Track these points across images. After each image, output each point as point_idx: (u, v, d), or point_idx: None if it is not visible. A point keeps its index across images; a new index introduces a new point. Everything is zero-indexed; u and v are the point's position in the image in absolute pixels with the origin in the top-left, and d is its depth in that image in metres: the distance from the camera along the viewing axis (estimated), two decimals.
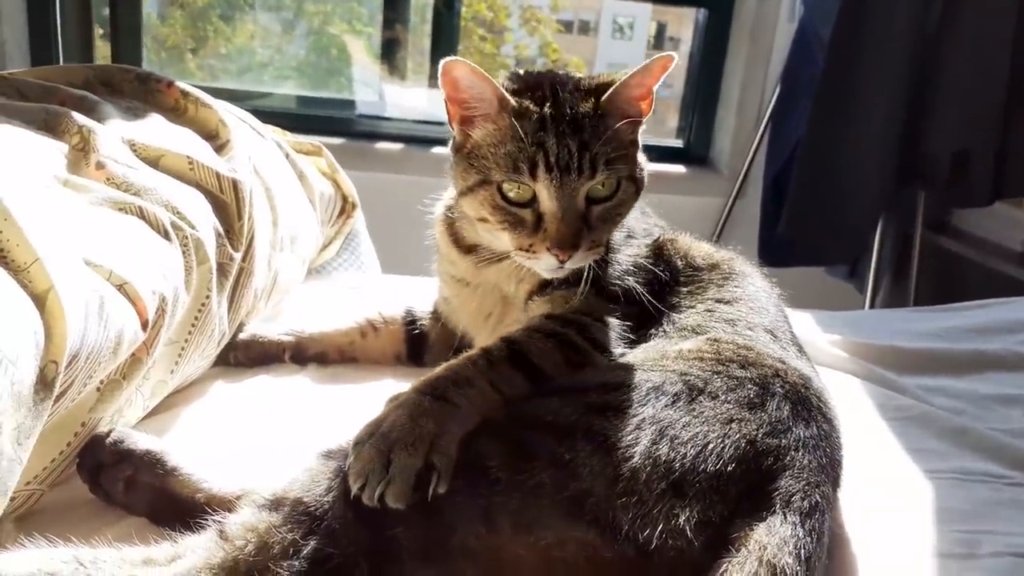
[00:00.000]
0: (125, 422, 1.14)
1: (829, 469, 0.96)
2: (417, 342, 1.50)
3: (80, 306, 0.92)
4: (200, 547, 0.80)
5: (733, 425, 0.90)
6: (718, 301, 1.20)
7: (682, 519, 0.82)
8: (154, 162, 1.34)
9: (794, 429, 0.94)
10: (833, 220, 2.91)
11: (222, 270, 1.33)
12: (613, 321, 1.15)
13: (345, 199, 2.08)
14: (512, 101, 1.13)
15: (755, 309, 1.20)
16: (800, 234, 2.96)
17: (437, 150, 3.23)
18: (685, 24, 3.59)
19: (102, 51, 3.30)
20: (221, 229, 1.34)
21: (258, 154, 1.63)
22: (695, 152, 3.50)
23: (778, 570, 0.81)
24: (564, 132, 1.12)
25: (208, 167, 1.38)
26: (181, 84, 1.61)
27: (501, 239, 1.18)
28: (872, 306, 3.01)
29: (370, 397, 1.30)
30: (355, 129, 3.43)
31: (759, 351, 1.05)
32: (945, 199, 3.05)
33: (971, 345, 1.77)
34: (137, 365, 1.09)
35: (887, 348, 1.73)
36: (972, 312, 1.99)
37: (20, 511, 0.96)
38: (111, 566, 0.78)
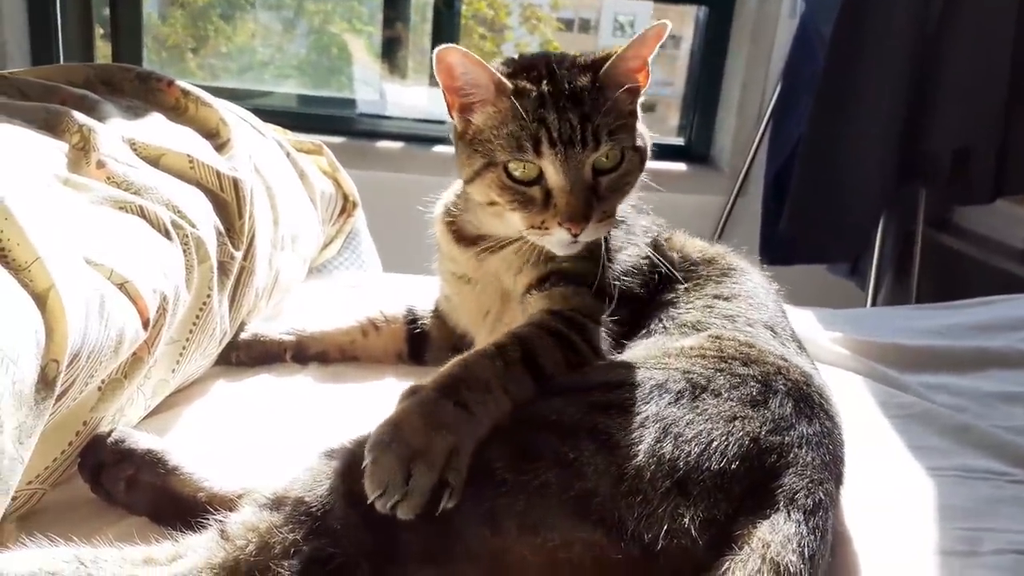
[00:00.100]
0: (127, 421, 1.14)
1: (832, 466, 0.96)
2: (418, 341, 1.50)
3: (81, 305, 0.92)
4: (201, 546, 0.80)
5: (736, 423, 0.90)
6: (716, 297, 1.20)
7: (687, 518, 0.82)
8: (155, 161, 1.34)
9: (797, 426, 0.94)
10: (834, 218, 2.91)
11: (223, 269, 1.33)
12: (608, 323, 1.15)
13: (346, 198, 2.08)
14: (508, 83, 1.14)
15: (754, 305, 1.20)
16: (802, 232, 2.96)
17: (438, 149, 3.23)
18: (686, 22, 3.58)
19: (103, 51, 3.31)
20: (222, 228, 1.34)
21: (259, 153, 1.63)
22: (696, 150, 3.50)
23: (782, 568, 0.80)
24: (564, 107, 1.12)
25: (209, 166, 1.38)
26: (181, 83, 1.61)
27: (512, 221, 1.18)
28: (874, 304, 3.01)
29: (372, 396, 1.31)
30: (356, 128, 3.43)
31: (761, 348, 1.04)
32: (946, 196, 3.05)
33: (973, 342, 1.77)
34: (138, 364, 1.09)
35: (889, 346, 1.72)
36: (974, 309, 1.99)
37: (22, 510, 0.96)
38: (112, 565, 0.78)
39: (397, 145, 3.29)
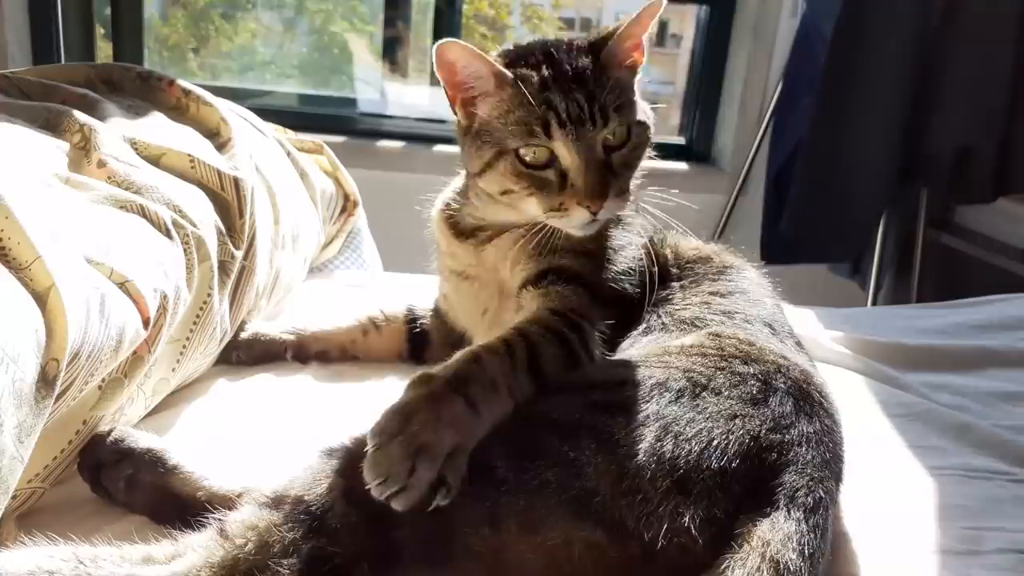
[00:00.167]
0: (127, 420, 1.14)
1: (832, 464, 0.95)
2: (419, 340, 1.50)
3: (81, 304, 0.92)
4: (200, 545, 0.80)
5: (737, 421, 0.90)
6: (713, 294, 1.20)
7: (687, 517, 0.81)
8: (155, 160, 1.34)
9: (797, 424, 0.94)
10: (836, 217, 2.91)
11: (223, 268, 1.33)
12: (602, 327, 1.15)
13: (347, 197, 2.08)
14: (507, 72, 1.14)
15: (751, 301, 1.20)
16: (803, 231, 2.96)
17: (439, 148, 3.23)
18: (687, 21, 3.58)
19: (104, 51, 3.31)
20: (222, 227, 1.34)
21: (259, 152, 1.63)
22: (697, 149, 3.50)
23: (782, 566, 0.80)
24: (569, 88, 1.14)
25: (209, 165, 1.38)
26: (182, 82, 1.61)
27: (528, 207, 1.18)
28: (875, 303, 3.01)
29: (372, 396, 1.30)
30: (357, 127, 3.43)
31: (761, 346, 1.04)
32: (948, 196, 3.05)
33: (974, 342, 1.77)
34: (139, 363, 1.09)
35: (890, 345, 1.72)
36: (975, 309, 1.99)
37: (22, 509, 0.96)
38: (111, 564, 0.78)
39: (398, 144, 3.29)
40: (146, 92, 1.59)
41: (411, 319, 1.51)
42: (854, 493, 1.05)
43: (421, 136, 3.34)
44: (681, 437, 0.87)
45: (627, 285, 1.20)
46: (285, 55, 3.84)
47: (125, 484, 1.01)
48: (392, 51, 3.54)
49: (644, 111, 1.23)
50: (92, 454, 1.03)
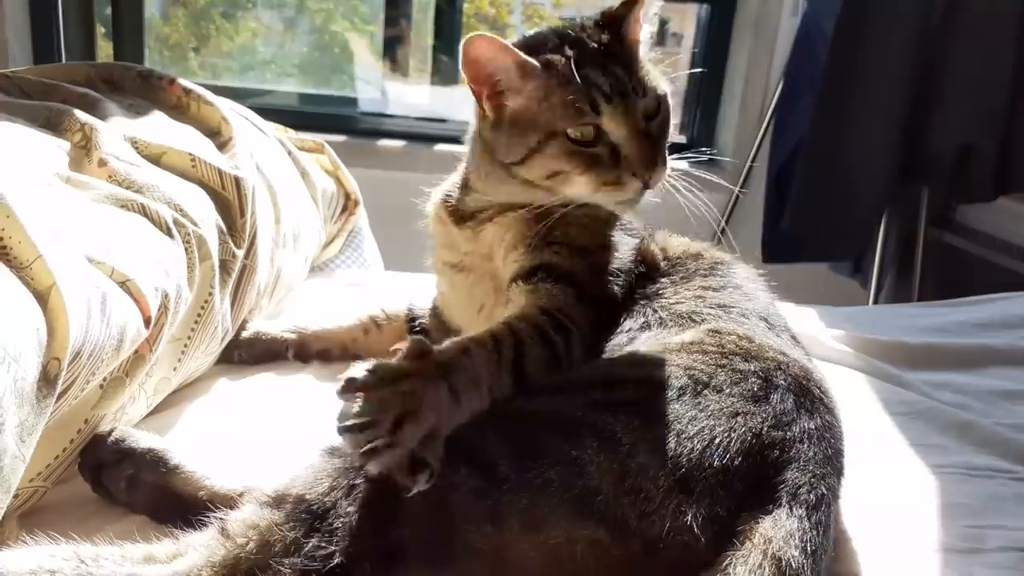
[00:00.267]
0: (128, 420, 1.14)
1: (834, 460, 0.95)
2: None
3: (82, 303, 0.92)
4: (201, 545, 0.80)
5: (739, 419, 0.90)
6: (706, 288, 1.20)
7: (689, 515, 0.82)
8: (156, 159, 1.34)
9: (798, 421, 0.94)
10: (837, 216, 2.90)
11: (224, 267, 1.33)
12: (586, 329, 1.14)
13: (348, 196, 2.08)
14: (534, 61, 1.14)
15: (746, 296, 1.20)
16: (804, 230, 2.96)
17: (440, 147, 3.23)
18: (688, 20, 3.58)
19: (104, 50, 3.31)
20: (223, 226, 1.34)
21: (260, 151, 1.63)
22: (698, 148, 3.48)
23: (783, 564, 0.80)
24: (604, 63, 1.16)
25: (210, 164, 1.38)
26: (183, 81, 1.61)
27: (577, 186, 1.18)
28: (876, 302, 3.00)
29: None
30: (358, 126, 3.43)
31: (760, 343, 1.04)
32: (949, 194, 3.05)
33: (976, 340, 1.77)
34: (140, 362, 1.09)
35: (891, 343, 1.72)
36: (976, 307, 1.99)
37: (24, 508, 0.96)
38: (112, 563, 0.78)
39: (399, 144, 3.29)
40: (147, 91, 1.59)
41: (412, 318, 1.51)
42: (856, 491, 1.05)
43: (422, 135, 3.33)
44: (683, 435, 0.87)
45: (615, 286, 1.20)
46: (286, 54, 3.84)
47: (126, 484, 1.01)
48: (393, 50, 3.54)
49: (664, 80, 1.25)
50: (93, 454, 1.03)
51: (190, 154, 1.37)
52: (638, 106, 1.16)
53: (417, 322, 1.50)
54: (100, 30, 3.28)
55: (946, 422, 1.40)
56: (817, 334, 1.71)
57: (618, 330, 1.14)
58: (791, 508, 0.86)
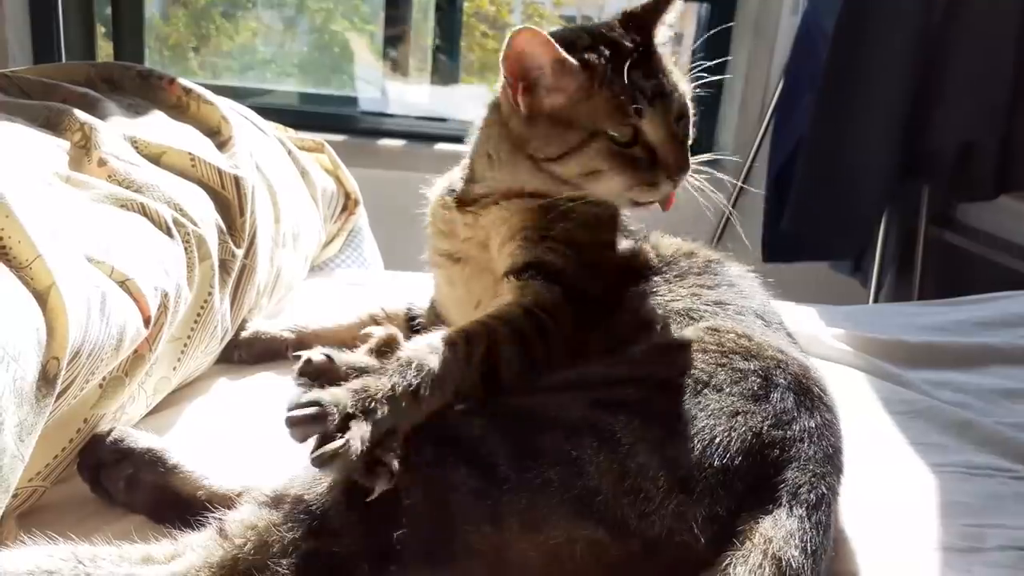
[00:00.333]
0: (128, 419, 1.14)
1: (834, 459, 0.95)
2: None
3: (82, 303, 0.92)
4: (199, 545, 0.80)
5: (739, 418, 0.90)
6: (701, 286, 1.20)
7: (689, 515, 0.82)
8: (156, 159, 1.34)
9: (799, 420, 0.94)
10: (837, 214, 2.90)
11: (224, 267, 1.33)
12: (569, 330, 1.14)
13: (347, 196, 2.08)
14: (572, 60, 1.14)
15: (740, 294, 1.20)
16: (804, 229, 2.95)
17: (440, 147, 3.23)
18: (688, 19, 3.58)
19: (104, 50, 3.31)
20: (223, 226, 1.34)
21: (260, 151, 1.62)
22: (698, 147, 3.48)
23: (784, 564, 0.80)
24: (642, 65, 1.16)
25: (210, 164, 1.38)
26: (183, 81, 1.61)
27: (611, 184, 1.18)
28: (876, 300, 3.00)
29: None
30: (358, 126, 3.42)
31: (759, 341, 1.04)
32: (950, 193, 3.04)
33: (976, 339, 1.77)
34: (139, 362, 1.09)
35: (891, 342, 1.72)
36: (977, 306, 1.99)
37: (23, 508, 0.96)
38: (110, 564, 0.78)
39: (399, 143, 3.29)
40: (146, 91, 1.59)
41: (411, 316, 1.50)
42: (855, 490, 1.05)
43: (422, 135, 3.33)
44: (683, 435, 0.87)
45: (607, 285, 1.20)
46: (286, 54, 3.84)
47: (125, 484, 1.01)
48: (393, 50, 3.54)
49: (686, 83, 1.27)
50: (92, 454, 1.03)
51: (190, 153, 1.37)
52: (673, 109, 1.17)
53: (416, 321, 1.50)
54: (100, 30, 3.28)
55: (946, 421, 1.40)
56: (817, 333, 1.71)
57: (613, 328, 1.14)
58: (791, 508, 0.86)
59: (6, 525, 0.89)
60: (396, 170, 3.06)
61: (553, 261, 1.18)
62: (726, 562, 0.81)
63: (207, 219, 1.29)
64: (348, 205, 2.09)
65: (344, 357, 0.96)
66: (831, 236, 3.01)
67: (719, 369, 0.96)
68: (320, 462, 0.80)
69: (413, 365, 0.93)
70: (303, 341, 1.46)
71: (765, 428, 0.90)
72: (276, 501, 0.82)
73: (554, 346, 1.09)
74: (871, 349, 1.68)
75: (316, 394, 0.84)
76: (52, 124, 1.27)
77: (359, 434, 0.82)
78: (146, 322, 1.05)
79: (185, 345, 1.24)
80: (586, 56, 1.15)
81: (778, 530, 0.83)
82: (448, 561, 0.81)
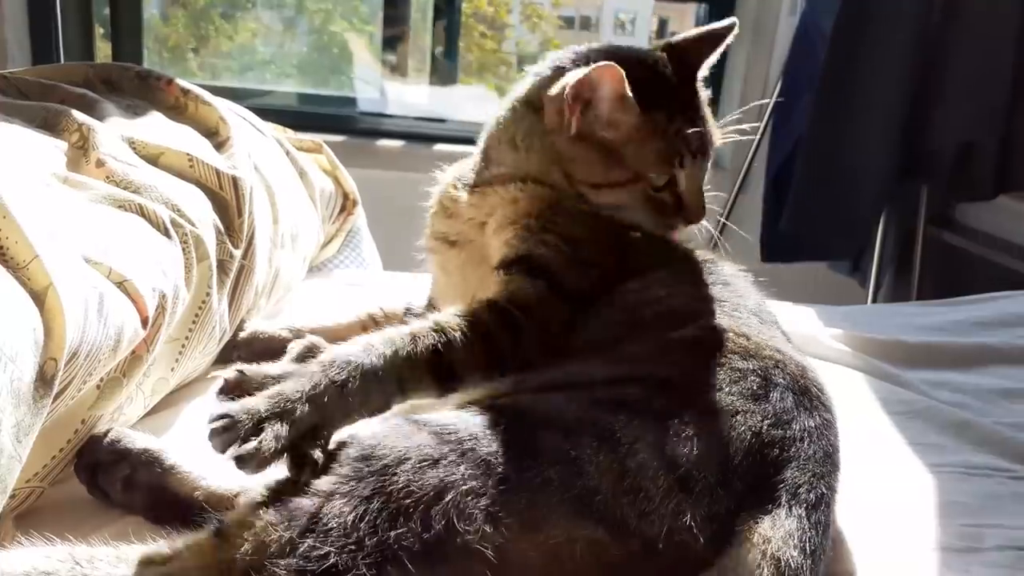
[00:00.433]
0: (126, 420, 1.14)
1: (833, 458, 0.96)
2: None
3: (79, 303, 0.92)
4: (197, 545, 0.80)
5: (738, 418, 0.90)
6: (697, 285, 1.20)
7: (688, 515, 0.82)
8: (154, 160, 1.34)
9: (798, 419, 0.94)
10: (836, 215, 2.90)
11: (222, 267, 1.33)
12: (553, 326, 1.14)
13: (346, 196, 2.08)
14: (635, 104, 1.16)
15: (735, 292, 1.20)
16: (803, 229, 2.96)
17: (439, 147, 3.23)
18: (687, 19, 3.58)
19: (103, 51, 3.31)
20: (221, 226, 1.34)
21: (258, 151, 1.62)
22: None
23: (782, 564, 0.80)
24: (689, 116, 1.21)
25: (208, 164, 1.38)
26: (181, 82, 1.61)
27: (635, 218, 1.23)
28: (875, 300, 3.00)
29: None
30: (356, 126, 3.42)
31: (757, 341, 1.04)
32: (949, 193, 3.04)
33: (975, 339, 1.77)
34: (137, 363, 1.09)
35: (890, 342, 1.72)
36: (975, 306, 1.99)
37: (20, 509, 0.96)
38: (107, 565, 0.78)
39: (398, 144, 3.29)
40: (145, 91, 1.59)
41: (410, 314, 1.50)
42: (854, 490, 1.04)
43: (421, 135, 3.33)
44: (683, 434, 0.87)
45: (597, 281, 1.20)
46: (285, 54, 3.84)
47: (122, 485, 1.00)
48: (392, 50, 3.54)
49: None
50: (89, 455, 1.03)
51: (188, 154, 1.37)
52: (707, 162, 1.23)
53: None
54: (99, 31, 3.28)
55: (944, 421, 1.40)
56: (815, 333, 1.71)
57: (610, 326, 1.14)
58: (790, 508, 0.86)
59: (3, 526, 0.89)
60: (395, 170, 3.06)
61: (542, 254, 1.18)
62: (724, 562, 0.81)
63: (205, 220, 1.29)
64: (346, 205, 2.09)
65: (257, 369, 0.98)
66: (830, 236, 3.01)
67: (718, 368, 0.96)
68: (237, 464, 0.84)
69: (337, 363, 0.94)
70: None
71: (765, 428, 0.90)
72: (274, 501, 0.82)
73: (527, 343, 1.09)
74: (869, 349, 1.68)
75: (225, 407, 0.87)
76: (50, 125, 1.27)
77: (272, 435, 0.85)
78: (144, 323, 1.05)
79: (183, 346, 1.24)
80: (643, 96, 1.17)
81: (777, 530, 0.83)
82: (446, 561, 0.81)
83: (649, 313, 1.13)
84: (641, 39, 4.37)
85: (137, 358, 1.08)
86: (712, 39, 1.28)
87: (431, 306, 1.46)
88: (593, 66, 1.13)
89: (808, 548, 0.83)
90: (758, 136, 3.17)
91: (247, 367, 0.97)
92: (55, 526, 0.83)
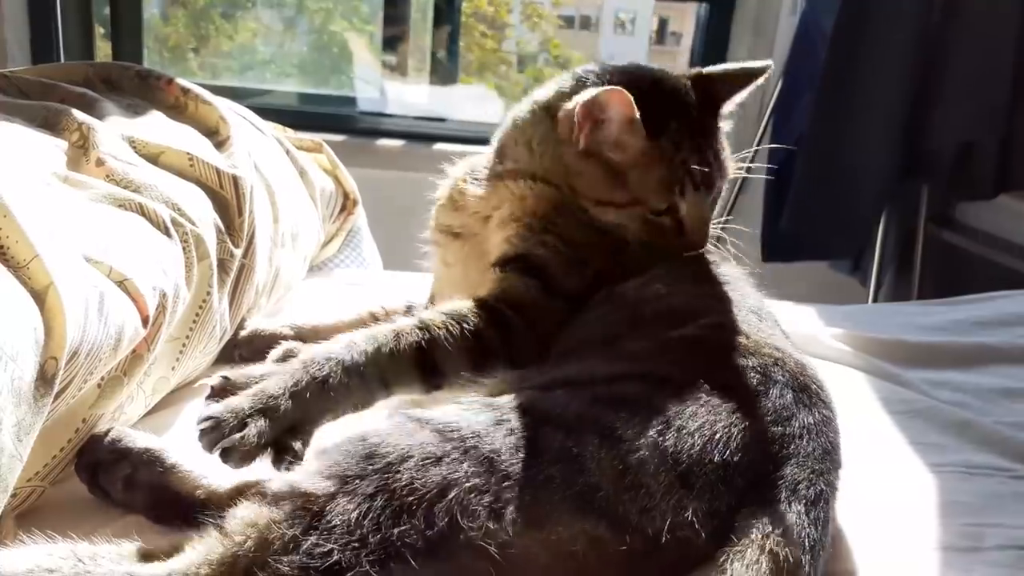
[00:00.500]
0: (126, 419, 1.14)
1: (832, 455, 0.96)
2: None
3: (80, 302, 0.92)
4: (199, 542, 0.80)
5: (738, 414, 0.90)
6: (698, 284, 1.21)
7: (689, 511, 0.82)
8: (154, 159, 1.34)
9: (797, 416, 0.94)
10: (836, 214, 2.90)
11: (223, 266, 1.33)
12: (544, 324, 1.16)
13: (346, 196, 2.08)
14: (642, 128, 1.17)
15: (736, 291, 1.21)
16: (803, 228, 2.96)
17: (439, 146, 3.23)
18: (687, 19, 3.58)
19: (103, 50, 3.31)
20: (222, 225, 1.34)
21: (259, 151, 1.62)
22: None
23: (781, 559, 0.81)
24: (700, 147, 1.20)
25: (208, 163, 1.38)
26: (181, 81, 1.61)
27: (631, 234, 1.23)
28: (875, 300, 3.00)
29: None
30: (357, 126, 3.42)
31: (756, 339, 1.04)
32: (949, 192, 3.04)
33: (975, 338, 1.77)
34: (138, 362, 1.09)
35: (890, 342, 1.72)
36: (976, 305, 1.99)
37: (21, 508, 0.96)
38: (110, 562, 0.78)
39: (398, 143, 3.29)
40: (145, 91, 1.59)
41: (410, 314, 1.50)
42: (854, 490, 1.04)
43: (421, 135, 3.33)
44: (684, 431, 0.87)
45: (591, 281, 1.22)
46: (285, 54, 3.85)
47: (123, 484, 1.00)
48: (392, 50, 3.54)
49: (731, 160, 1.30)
50: (90, 454, 1.02)
51: (188, 153, 1.37)
52: (713, 196, 1.23)
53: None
54: (99, 30, 3.28)
55: (945, 420, 1.40)
56: (816, 332, 1.71)
57: (610, 325, 1.14)
58: (790, 504, 0.86)
59: (5, 525, 0.89)
60: (395, 170, 3.07)
61: (540, 254, 1.20)
62: (724, 557, 0.81)
63: (205, 219, 1.29)
64: (347, 205, 2.09)
65: (241, 371, 1.02)
66: (830, 236, 3.01)
67: (718, 366, 0.97)
68: (223, 458, 0.90)
69: (317, 360, 0.99)
70: (302, 338, 1.46)
71: (765, 425, 0.91)
72: (276, 499, 0.82)
73: (516, 341, 1.11)
74: (870, 349, 1.68)
75: (211, 408, 0.93)
76: (50, 124, 1.27)
77: (256, 430, 0.91)
78: (144, 322, 1.05)
79: (184, 345, 1.24)
80: (654, 124, 1.18)
81: (776, 526, 0.83)
82: (449, 558, 0.81)
83: (649, 311, 1.13)
84: (641, 38, 4.37)
85: (138, 357, 1.08)
86: (743, 77, 1.28)
87: (432, 303, 1.46)
88: (605, 88, 1.14)
89: (807, 544, 0.84)
90: (758, 135, 3.17)
91: (231, 372, 1.00)
92: (56, 525, 0.83)
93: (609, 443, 0.85)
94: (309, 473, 0.85)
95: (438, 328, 1.07)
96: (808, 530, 0.85)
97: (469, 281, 1.31)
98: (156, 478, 1.00)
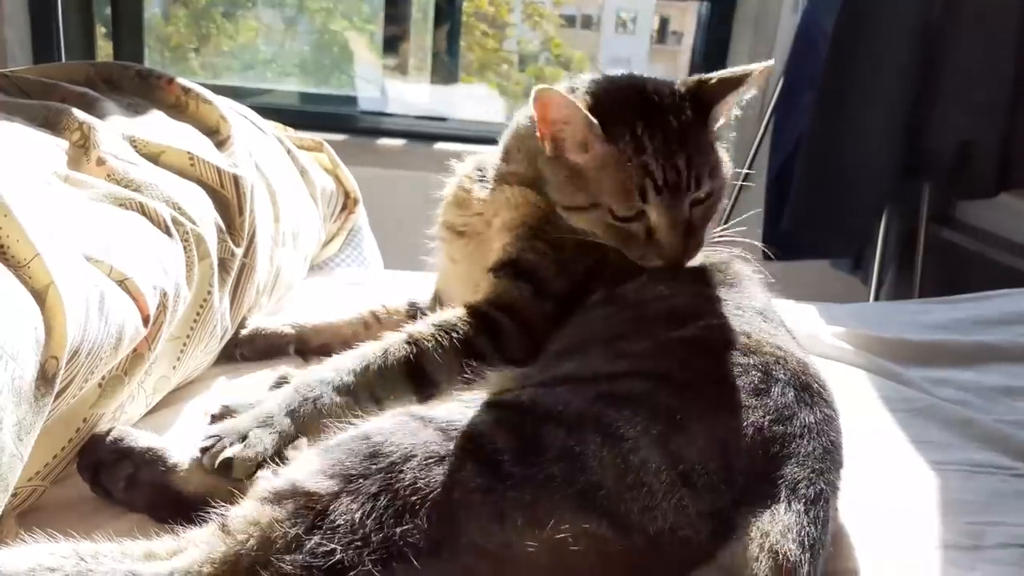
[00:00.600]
0: (127, 418, 1.14)
1: (833, 454, 0.96)
2: None
3: (81, 302, 0.92)
4: (202, 541, 0.80)
5: (740, 413, 0.90)
6: (701, 283, 1.21)
7: (690, 509, 0.82)
8: (155, 158, 1.34)
9: (799, 415, 0.94)
10: (837, 213, 2.90)
11: (223, 266, 1.33)
12: (537, 325, 1.17)
13: (347, 195, 2.08)
14: (600, 133, 1.16)
15: (741, 291, 1.20)
16: (804, 227, 2.95)
17: (439, 146, 3.23)
18: (688, 18, 3.58)
19: (104, 50, 3.32)
20: (222, 225, 1.34)
21: (259, 150, 1.62)
22: None
23: (780, 557, 0.81)
24: (670, 151, 1.16)
25: (209, 163, 1.38)
26: (182, 80, 1.61)
27: (605, 241, 1.22)
28: (877, 299, 3.00)
29: None
30: (357, 125, 3.43)
31: (757, 338, 1.04)
32: (950, 191, 3.04)
33: (976, 337, 1.76)
34: (139, 361, 1.09)
35: (892, 340, 1.72)
36: (977, 304, 1.98)
37: (22, 507, 0.96)
38: (112, 560, 0.78)
39: (399, 142, 3.29)
40: (145, 90, 1.59)
41: (412, 313, 1.50)
42: (856, 488, 1.04)
43: (421, 134, 3.33)
44: (685, 430, 0.87)
45: (582, 280, 1.23)
46: (286, 53, 3.85)
47: (125, 483, 1.00)
48: (393, 49, 3.54)
49: (726, 163, 1.26)
50: (91, 453, 1.03)
51: (188, 152, 1.37)
52: (685, 200, 1.18)
53: (419, 316, 1.50)
54: (100, 30, 3.29)
55: (947, 419, 1.40)
56: (817, 331, 1.71)
57: (613, 324, 1.14)
58: (790, 503, 0.86)
59: (6, 524, 0.89)
60: (396, 169, 3.07)
61: (530, 260, 1.22)
62: (723, 555, 0.81)
63: (206, 218, 1.29)
64: (348, 204, 2.09)
65: (239, 400, 1.10)
66: (831, 234, 3.01)
67: (719, 365, 0.97)
68: (225, 472, 0.95)
69: (309, 383, 1.05)
70: (303, 337, 1.47)
71: (766, 423, 0.91)
72: (279, 497, 0.82)
73: (509, 344, 1.13)
74: (872, 347, 1.68)
75: (214, 428, 1.00)
76: (51, 123, 1.27)
77: (256, 442, 0.97)
78: (145, 321, 1.05)
79: (184, 344, 1.24)
80: (617, 130, 1.17)
81: (775, 524, 0.83)
82: (452, 557, 0.81)
83: (651, 312, 1.13)
84: (642, 37, 4.37)
85: (139, 356, 1.08)
86: (735, 80, 1.25)
87: (436, 301, 1.47)
88: (539, 87, 1.14)
89: (807, 542, 0.84)
90: (759, 134, 3.17)
91: (233, 400, 1.08)
92: (57, 524, 0.83)
93: (611, 442, 0.85)
94: (312, 472, 0.85)
95: (427, 341, 1.11)
96: (808, 529, 0.84)
97: (473, 278, 1.32)
98: (158, 477, 1.00)
